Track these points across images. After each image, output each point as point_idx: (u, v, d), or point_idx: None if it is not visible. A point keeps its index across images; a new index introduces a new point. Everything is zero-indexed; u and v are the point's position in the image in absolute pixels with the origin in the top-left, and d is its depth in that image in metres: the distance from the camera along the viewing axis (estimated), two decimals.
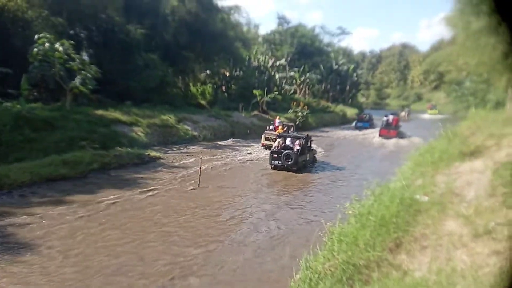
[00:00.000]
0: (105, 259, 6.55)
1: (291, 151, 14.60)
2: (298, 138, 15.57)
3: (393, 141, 25.88)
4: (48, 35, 16.86)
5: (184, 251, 7.05)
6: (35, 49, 16.30)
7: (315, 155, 16.96)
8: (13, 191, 9.85)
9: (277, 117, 22.24)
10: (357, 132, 31.72)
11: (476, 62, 10.80)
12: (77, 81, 17.16)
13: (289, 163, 14.40)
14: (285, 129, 16.50)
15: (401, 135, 27.46)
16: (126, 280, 5.89)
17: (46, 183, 10.77)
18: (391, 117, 29.18)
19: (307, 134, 16.38)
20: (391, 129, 27.67)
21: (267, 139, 18.90)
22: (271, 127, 17.72)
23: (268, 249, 7.39)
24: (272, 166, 14.84)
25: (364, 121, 34.58)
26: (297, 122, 27.96)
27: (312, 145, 16.97)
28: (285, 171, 14.48)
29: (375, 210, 5.94)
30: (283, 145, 15.24)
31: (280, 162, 14.55)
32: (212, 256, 6.94)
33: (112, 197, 9.96)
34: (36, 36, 16.72)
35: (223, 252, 7.17)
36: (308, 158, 15.77)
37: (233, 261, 6.79)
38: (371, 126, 33.52)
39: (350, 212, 6.54)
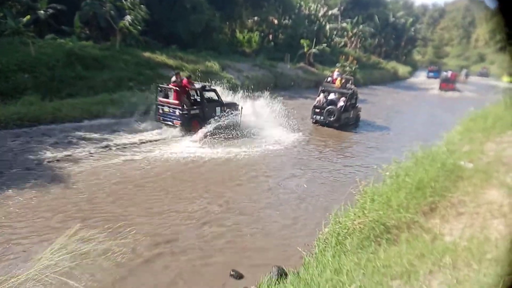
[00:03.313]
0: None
1: (334, 107, 14.04)
2: (343, 94, 14.68)
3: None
4: None
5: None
6: None
7: (359, 112, 16.12)
8: (64, 125, 10.56)
9: (337, 69, 21.34)
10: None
11: None
12: (126, 21, 17.40)
13: (331, 119, 13.91)
14: (343, 81, 16.22)
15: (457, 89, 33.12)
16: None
17: (95, 119, 11.38)
18: (449, 73, 35.39)
19: (353, 90, 15.32)
20: (450, 83, 33.19)
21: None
22: (329, 79, 17.15)
23: (290, 210, 7.50)
24: (313, 121, 14.47)
25: (435, 71, 45.79)
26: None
27: (358, 103, 16.16)
28: (326, 127, 14.12)
29: (413, 173, 5.77)
30: (326, 100, 14.61)
31: (322, 118, 14.13)
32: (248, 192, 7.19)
33: (156, 137, 10.40)
34: None
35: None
36: (351, 116, 15.06)
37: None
38: (439, 77, 39.14)
39: (387, 173, 6.39)
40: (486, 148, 6.93)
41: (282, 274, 4.45)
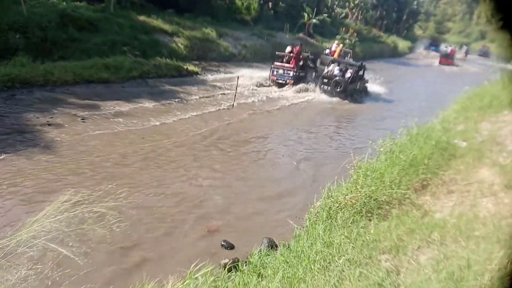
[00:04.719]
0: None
1: (342, 78, 14.52)
2: (352, 65, 15.36)
3: None
4: None
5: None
6: None
7: (366, 84, 16.53)
8: (55, 89, 10.29)
9: (335, 41, 21.38)
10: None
11: None
12: None
13: (338, 90, 14.41)
14: (341, 53, 17.43)
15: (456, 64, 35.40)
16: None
17: (88, 84, 11.15)
18: (449, 48, 37.55)
19: (362, 63, 15.98)
20: (449, 58, 35.35)
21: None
22: (327, 51, 18.37)
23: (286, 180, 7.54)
24: (321, 90, 14.83)
25: (435, 45, 48.63)
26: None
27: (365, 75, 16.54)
28: (331, 96, 14.53)
29: (407, 149, 5.79)
30: (334, 71, 15.08)
31: (329, 88, 14.59)
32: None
33: (149, 105, 10.26)
34: None
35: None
36: (358, 87, 15.51)
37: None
38: (439, 50, 42.51)
39: (382, 149, 6.40)
40: (481, 127, 6.94)
41: (272, 246, 4.52)
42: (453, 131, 6.83)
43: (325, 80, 14.82)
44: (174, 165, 7.05)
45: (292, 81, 14.77)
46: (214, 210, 5.70)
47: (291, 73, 14.74)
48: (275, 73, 15.08)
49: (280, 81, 14.92)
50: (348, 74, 14.81)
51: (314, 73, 15.83)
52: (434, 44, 50.49)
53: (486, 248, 3.03)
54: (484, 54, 46.24)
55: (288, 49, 15.61)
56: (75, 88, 10.67)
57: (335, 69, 15.06)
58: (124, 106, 9.92)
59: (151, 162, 7.00)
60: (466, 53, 43.72)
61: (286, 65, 15.03)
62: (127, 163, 6.83)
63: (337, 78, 14.57)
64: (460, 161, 5.38)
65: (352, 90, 15.02)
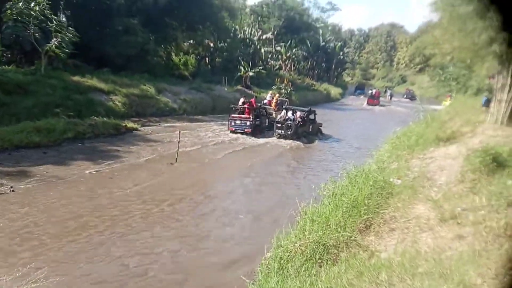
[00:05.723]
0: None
1: (292, 122, 15.95)
2: (301, 111, 17.02)
3: None
4: None
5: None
6: (9, 9, 15.39)
7: (320, 127, 18.12)
8: None
9: (270, 92, 23.09)
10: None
11: (459, 47, 10.83)
12: (53, 44, 16.38)
13: (289, 133, 15.78)
14: (278, 102, 19.41)
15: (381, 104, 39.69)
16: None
17: (18, 150, 10.39)
18: (374, 90, 42.01)
19: (310, 108, 17.82)
20: (375, 99, 39.31)
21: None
22: (265, 101, 20.10)
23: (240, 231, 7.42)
24: (276, 135, 16.26)
25: (361, 89, 53.65)
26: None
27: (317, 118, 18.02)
28: (286, 139, 15.84)
29: (348, 192, 6.00)
30: (286, 116, 16.42)
31: (282, 131, 15.99)
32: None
33: (84, 168, 9.72)
34: None
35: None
36: (310, 130, 17.09)
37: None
38: (364, 94, 47.44)
39: (325, 192, 6.58)
40: (411, 164, 7.48)
41: None
42: (388, 170, 7.26)
43: (279, 125, 16.24)
44: (113, 235, 6.52)
45: (250, 130, 16.06)
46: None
47: (248, 123, 16.14)
48: (233, 124, 16.39)
49: (239, 131, 16.14)
50: (298, 119, 16.25)
51: (267, 120, 17.42)
52: (360, 88, 55.34)
53: (431, 285, 3.14)
54: (412, 97, 47.22)
55: (242, 100, 17.34)
56: (3, 155, 9.89)
57: (287, 114, 16.49)
58: (57, 171, 9.28)
59: (87, 235, 6.45)
60: (391, 96, 47.49)
61: (243, 116, 16.45)
62: (61, 238, 6.20)
63: (288, 122, 15.99)
64: (397, 198, 5.68)
65: (304, 132, 16.46)
